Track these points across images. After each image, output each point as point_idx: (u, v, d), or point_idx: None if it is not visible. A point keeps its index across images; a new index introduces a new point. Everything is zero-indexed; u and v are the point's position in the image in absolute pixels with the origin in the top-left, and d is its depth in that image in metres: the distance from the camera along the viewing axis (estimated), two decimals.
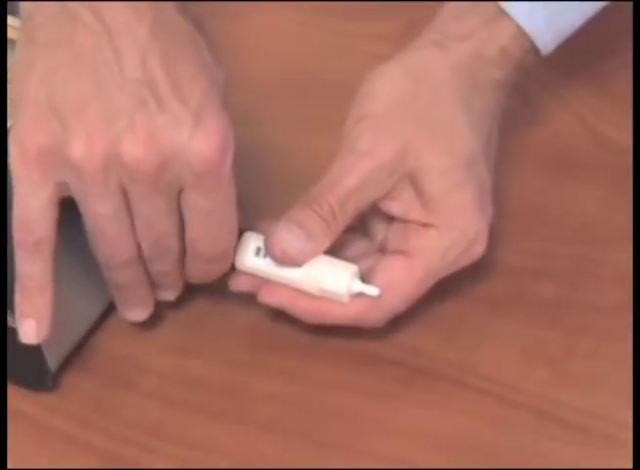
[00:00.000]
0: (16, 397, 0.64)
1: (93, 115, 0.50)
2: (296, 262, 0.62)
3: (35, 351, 0.61)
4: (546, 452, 0.64)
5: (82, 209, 0.53)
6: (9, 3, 0.66)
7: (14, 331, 0.61)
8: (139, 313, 0.62)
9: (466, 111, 0.63)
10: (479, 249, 0.64)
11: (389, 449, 0.64)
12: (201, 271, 0.61)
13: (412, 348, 0.68)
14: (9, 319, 0.61)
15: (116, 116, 0.50)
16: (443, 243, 0.63)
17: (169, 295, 0.64)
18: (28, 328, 0.57)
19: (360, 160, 0.62)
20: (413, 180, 0.63)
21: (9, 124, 0.57)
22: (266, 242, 0.62)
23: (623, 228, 0.71)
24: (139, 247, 0.57)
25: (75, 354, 0.65)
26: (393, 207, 0.64)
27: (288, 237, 0.61)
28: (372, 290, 0.63)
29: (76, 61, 0.50)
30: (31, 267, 0.54)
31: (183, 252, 0.59)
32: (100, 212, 0.53)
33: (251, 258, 0.63)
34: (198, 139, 0.51)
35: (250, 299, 0.66)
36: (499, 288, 0.71)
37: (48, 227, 0.53)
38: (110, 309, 0.66)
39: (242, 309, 0.68)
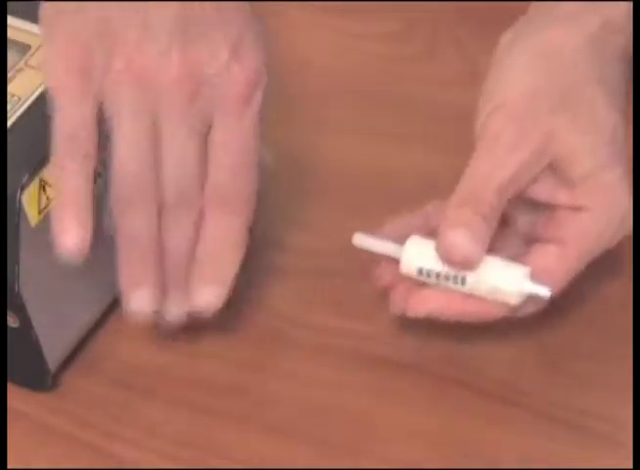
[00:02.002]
0: (16, 397, 0.63)
1: (135, 32, 0.51)
2: (472, 266, 0.61)
3: (35, 350, 0.62)
4: (546, 452, 0.64)
5: (113, 131, 0.53)
6: (9, 3, 0.66)
7: (14, 331, 0.61)
8: (146, 296, 0.57)
9: (602, 86, 0.61)
10: (627, 226, 0.63)
11: (392, 450, 0.64)
12: (219, 233, 0.57)
13: (415, 349, 0.68)
14: (9, 319, 0.61)
15: (157, 37, 0.51)
16: (598, 226, 0.62)
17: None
18: (70, 239, 0.54)
19: (510, 154, 0.61)
20: (557, 164, 0.62)
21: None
22: (440, 249, 0.60)
23: None
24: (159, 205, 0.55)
25: (75, 355, 0.65)
26: (540, 192, 0.63)
27: (463, 241, 0.60)
28: (543, 290, 0.62)
29: None
30: (80, 182, 0.53)
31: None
32: (128, 129, 0.53)
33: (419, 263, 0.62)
34: (232, 70, 0.52)
35: (255, 300, 0.65)
36: None
37: (93, 142, 0.53)
38: (110, 310, 0.66)
39: (246, 309, 0.67)
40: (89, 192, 0.53)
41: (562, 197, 0.62)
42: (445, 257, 0.60)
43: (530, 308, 0.63)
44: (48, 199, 0.59)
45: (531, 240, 0.64)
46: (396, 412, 0.66)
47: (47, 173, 0.58)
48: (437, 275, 0.62)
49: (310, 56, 0.79)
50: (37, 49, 0.64)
